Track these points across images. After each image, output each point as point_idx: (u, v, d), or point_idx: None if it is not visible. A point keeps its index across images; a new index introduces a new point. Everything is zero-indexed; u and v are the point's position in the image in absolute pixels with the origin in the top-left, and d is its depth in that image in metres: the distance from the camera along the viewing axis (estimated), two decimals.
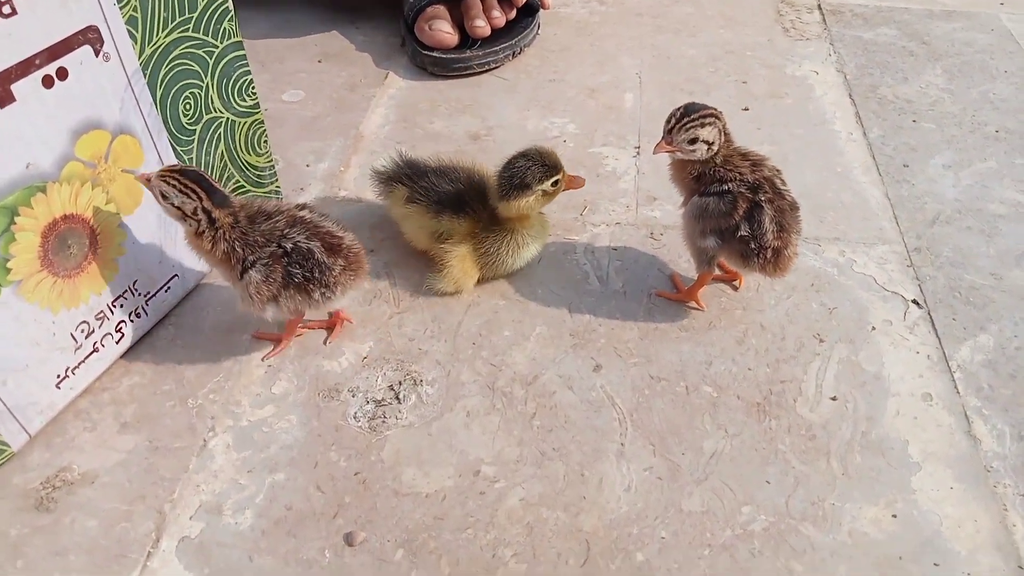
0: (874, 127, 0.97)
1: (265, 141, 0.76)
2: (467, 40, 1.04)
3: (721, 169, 0.66)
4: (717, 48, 1.11)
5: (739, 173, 0.66)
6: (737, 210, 0.65)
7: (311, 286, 0.61)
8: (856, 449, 0.62)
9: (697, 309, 0.72)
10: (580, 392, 0.65)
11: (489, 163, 0.86)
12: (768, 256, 0.65)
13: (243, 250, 0.61)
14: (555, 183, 0.69)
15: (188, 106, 0.66)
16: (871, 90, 1.03)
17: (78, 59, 0.56)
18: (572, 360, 0.68)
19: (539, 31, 1.11)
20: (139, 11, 0.59)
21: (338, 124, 0.95)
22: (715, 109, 0.66)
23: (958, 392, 0.66)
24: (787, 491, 0.59)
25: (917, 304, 0.74)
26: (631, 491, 0.58)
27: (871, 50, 1.12)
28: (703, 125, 0.65)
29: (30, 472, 0.59)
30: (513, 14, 1.05)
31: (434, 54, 1.02)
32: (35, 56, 0.53)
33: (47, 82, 0.54)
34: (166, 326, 0.69)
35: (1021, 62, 1.10)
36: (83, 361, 0.62)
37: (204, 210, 0.59)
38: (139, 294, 0.66)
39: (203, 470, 0.59)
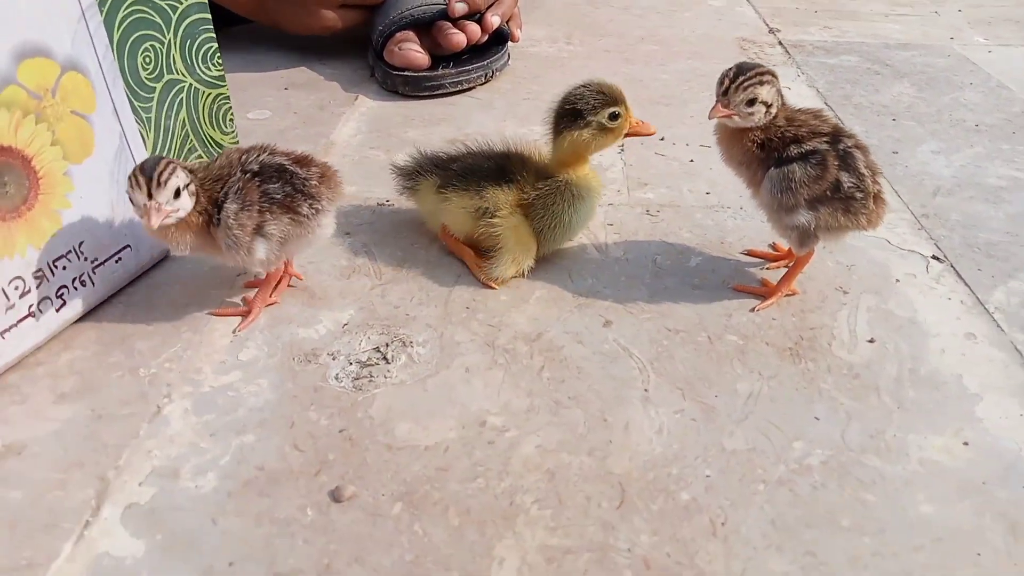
0: (856, 124, 0.95)
1: (231, 120, 0.71)
2: (438, 65, 1.02)
3: (791, 129, 0.58)
4: (687, 73, 1.12)
5: (811, 128, 0.58)
6: (828, 169, 0.57)
7: (297, 200, 0.55)
8: (907, 384, 0.55)
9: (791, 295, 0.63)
10: (591, 345, 0.58)
11: None
12: (870, 204, 0.58)
13: (206, 197, 0.54)
14: (614, 116, 0.61)
15: (147, 59, 0.61)
16: (845, 99, 1.03)
17: None
18: (578, 318, 0.61)
19: (509, 60, 1.10)
20: None
21: (307, 135, 0.90)
22: (766, 68, 0.58)
23: (1002, 330, 0.60)
24: (840, 426, 0.51)
25: (937, 259, 0.69)
26: (663, 433, 0.50)
27: (837, 71, 1.13)
28: (762, 83, 0.57)
29: None
30: (484, 38, 1.04)
31: (405, 74, 1.00)
32: None
33: None
34: (115, 304, 0.61)
35: (984, 77, 1.12)
36: (15, 325, 0.53)
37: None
38: (85, 258, 0.58)
39: (156, 436, 0.49)
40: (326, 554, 0.42)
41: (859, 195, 0.57)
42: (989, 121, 0.97)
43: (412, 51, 0.99)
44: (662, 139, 0.91)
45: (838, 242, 0.64)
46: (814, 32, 1.30)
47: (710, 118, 0.60)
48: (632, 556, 0.42)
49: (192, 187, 0.53)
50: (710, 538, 0.44)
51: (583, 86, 0.61)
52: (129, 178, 0.51)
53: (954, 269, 0.67)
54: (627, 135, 0.62)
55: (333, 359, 0.56)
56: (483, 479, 0.47)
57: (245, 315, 0.60)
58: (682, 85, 1.07)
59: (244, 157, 0.56)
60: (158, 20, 0.61)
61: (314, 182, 0.57)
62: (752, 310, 0.62)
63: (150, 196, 0.51)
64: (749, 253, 0.69)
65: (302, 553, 0.42)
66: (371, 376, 0.54)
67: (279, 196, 0.55)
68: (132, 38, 0.59)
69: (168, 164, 0.51)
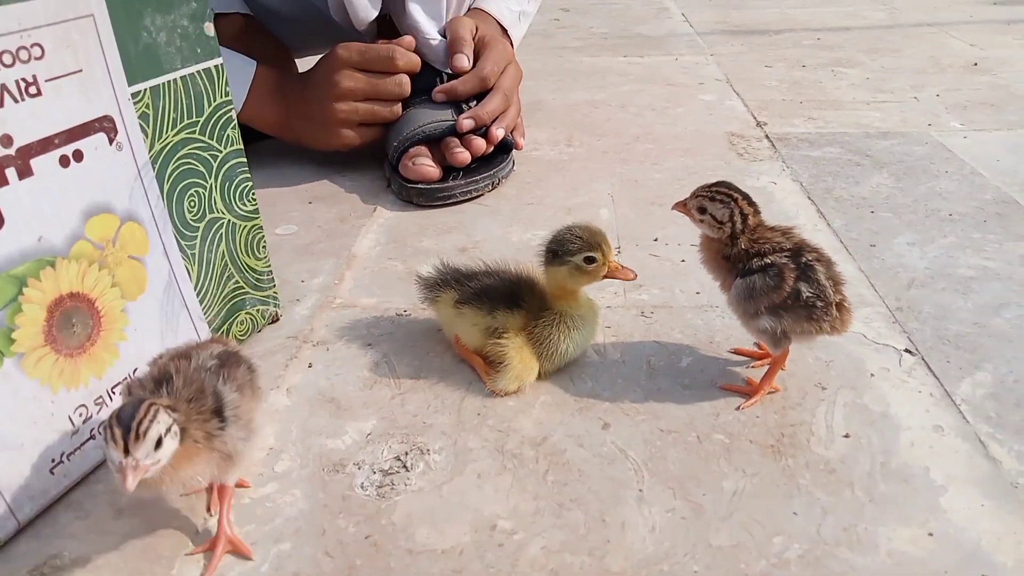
0: (836, 219, 1.03)
1: (263, 246, 0.79)
2: (448, 176, 1.11)
3: (755, 245, 0.66)
4: (680, 171, 1.20)
5: (774, 244, 0.66)
6: (785, 281, 0.64)
7: (253, 370, 0.59)
8: (878, 478, 0.60)
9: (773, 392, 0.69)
10: (591, 448, 0.64)
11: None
12: (834, 312, 0.64)
13: (198, 420, 0.52)
14: (589, 259, 0.67)
15: (192, 203, 0.70)
16: (827, 192, 1.11)
17: (93, 144, 0.60)
18: (580, 421, 0.67)
19: (514, 167, 1.19)
20: (151, 108, 0.64)
21: (331, 248, 0.99)
22: (737, 193, 0.66)
23: (968, 421, 0.66)
24: (816, 520, 0.57)
25: (910, 352, 0.75)
26: (656, 532, 0.56)
27: (820, 164, 1.21)
28: (712, 199, 0.66)
29: (15, 562, 0.55)
30: (490, 149, 1.13)
31: (419, 186, 1.09)
32: (55, 136, 0.57)
33: (63, 162, 0.58)
34: None
35: (959, 164, 1.19)
36: (79, 448, 0.60)
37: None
38: None
39: (202, 547, 0.55)
40: None
41: (820, 304, 0.64)
42: (962, 210, 1.04)
43: (424, 165, 1.09)
44: (655, 240, 0.98)
45: (811, 343, 0.70)
46: (799, 124, 1.39)
47: (672, 209, 0.70)
48: None
49: (175, 428, 0.49)
50: None
51: (567, 229, 0.69)
52: (104, 430, 0.47)
53: (924, 362, 0.73)
54: (605, 277, 0.69)
55: (359, 468, 0.62)
56: None
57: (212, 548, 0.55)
58: (674, 184, 1.15)
59: (196, 361, 0.55)
60: (202, 169, 0.70)
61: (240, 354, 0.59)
62: (737, 408, 0.68)
63: (127, 452, 0.46)
64: (736, 352, 0.76)
65: None
66: (392, 484, 0.61)
67: (247, 378, 0.57)
68: (180, 186, 0.68)
69: (148, 409, 0.47)
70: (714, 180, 0.68)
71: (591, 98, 1.57)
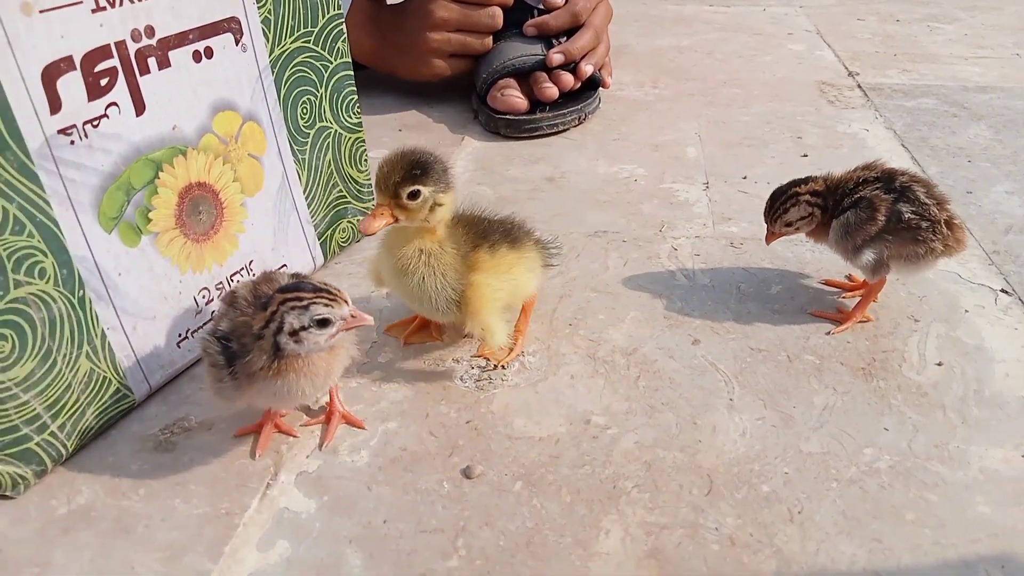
0: (931, 166, 1.01)
1: (365, 159, 0.82)
2: (535, 109, 1.12)
3: (837, 192, 0.67)
4: (768, 115, 1.19)
5: (856, 179, 0.66)
6: (877, 209, 0.64)
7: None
8: (971, 403, 0.61)
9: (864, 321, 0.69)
10: (682, 360, 0.65)
11: (565, 200, 0.92)
12: (943, 230, 0.64)
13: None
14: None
15: (305, 110, 0.73)
16: (922, 141, 1.09)
17: (222, 43, 0.63)
18: (669, 336, 0.69)
19: (600, 104, 1.20)
20: (272, 14, 0.67)
21: None
22: (791, 187, 0.68)
23: None
24: (907, 437, 0.57)
25: (1006, 292, 0.74)
26: (747, 436, 0.58)
27: (915, 114, 1.18)
28: (785, 211, 0.68)
29: (148, 421, 0.59)
30: (578, 85, 1.14)
31: (507, 117, 1.10)
32: (189, 31, 0.60)
33: (196, 57, 0.61)
34: None
35: None
36: (202, 326, 0.64)
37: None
38: (253, 274, 0.69)
39: (317, 419, 0.59)
40: (461, 519, 0.51)
41: (924, 224, 0.64)
42: None
43: (513, 96, 1.10)
44: (744, 178, 0.98)
45: (918, 274, 0.69)
46: (893, 75, 1.36)
47: (767, 244, 0.73)
48: (719, 534, 0.50)
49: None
50: (787, 523, 0.51)
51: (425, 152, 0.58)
52: (320, 296, 0.50)
53: (1022, 302, 0.72)
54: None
55: (457, 364, 0.65)
56: (589, 466, 0.55)
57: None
58: (763, 127, 1.14)
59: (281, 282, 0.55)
60: (314, 78, 0.73)
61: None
62: (828, 333, 0.68)
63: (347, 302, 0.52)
64: (826, 283, 0.76)
65: (442, 516, 0.51)
66: (490, 379, 0.63)
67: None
68: (294, 93, 0.71)
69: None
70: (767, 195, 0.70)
71: (676, 44, 1.55)
